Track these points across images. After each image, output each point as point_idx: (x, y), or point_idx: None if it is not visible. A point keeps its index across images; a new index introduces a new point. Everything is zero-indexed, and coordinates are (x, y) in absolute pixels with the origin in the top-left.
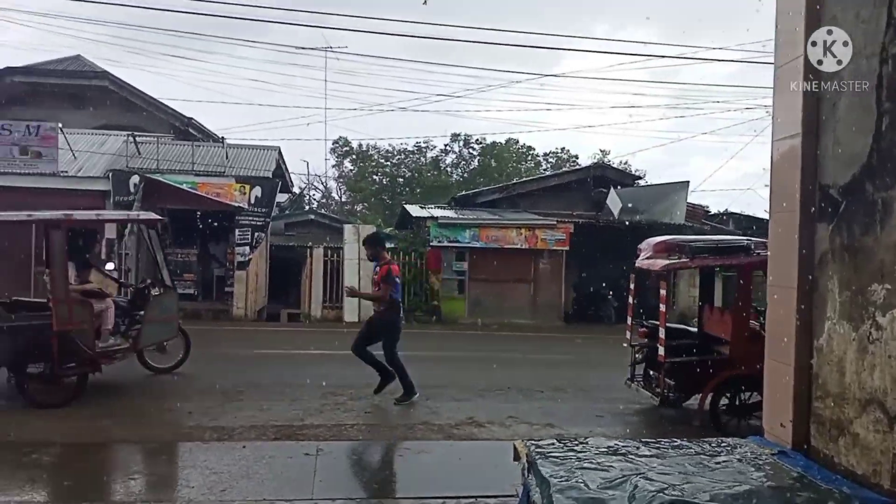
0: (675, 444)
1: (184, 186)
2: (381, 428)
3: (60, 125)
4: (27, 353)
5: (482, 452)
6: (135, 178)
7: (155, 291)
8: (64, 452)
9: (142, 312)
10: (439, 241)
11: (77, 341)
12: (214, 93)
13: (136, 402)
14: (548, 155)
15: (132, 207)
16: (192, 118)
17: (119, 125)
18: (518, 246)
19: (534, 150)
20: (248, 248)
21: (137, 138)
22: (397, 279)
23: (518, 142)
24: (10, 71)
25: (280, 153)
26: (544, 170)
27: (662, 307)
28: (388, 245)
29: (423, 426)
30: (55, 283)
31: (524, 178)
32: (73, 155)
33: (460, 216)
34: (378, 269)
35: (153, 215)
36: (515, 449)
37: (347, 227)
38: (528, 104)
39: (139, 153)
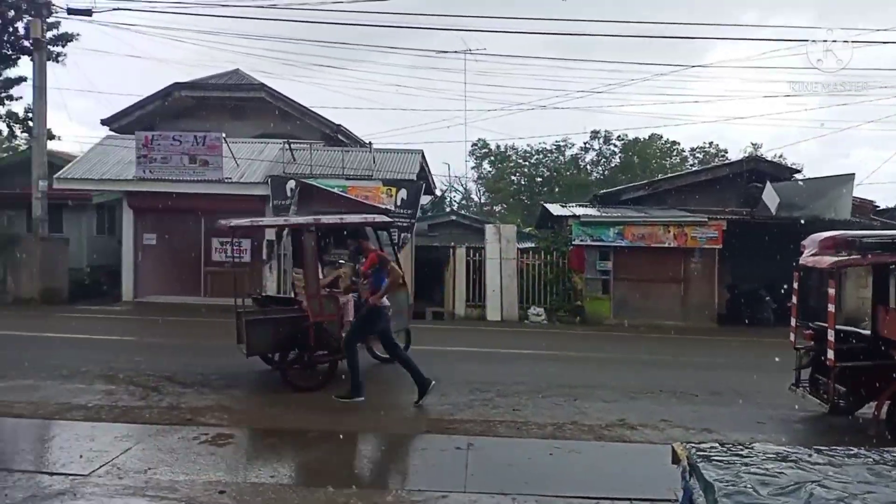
0: (852, 452)
1: (335, 190)
2: (529, 425)
3: (224, 135)
4: (287, 343)
5: (635, 455)
6: (291, 183)
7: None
8: (252, 436)
9: None
10: (582, 240)
11: (328, 331)
12: (360, 99)
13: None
14: (695, 150)
15: (289, 211)
16: (340, 125)
17: (275, 133)
18: (666, 244)
19: (679, 144)
20: (394, 248)
21: (292, 145)
22: (378, 266)
23: (662, 137)
24: (179, 86)
25: (423, 156)
26: (691, 165)
27: (831, 307)
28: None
29: (573, 426)
30: (308, 280)
31: (670, 174)
32: (236, 162)
33: (603, 214)
34: (363, 260)
35: (385, 218)
36: (674, 451)
37: (488, 227)
38: (672, 98)
39: (294, 159)
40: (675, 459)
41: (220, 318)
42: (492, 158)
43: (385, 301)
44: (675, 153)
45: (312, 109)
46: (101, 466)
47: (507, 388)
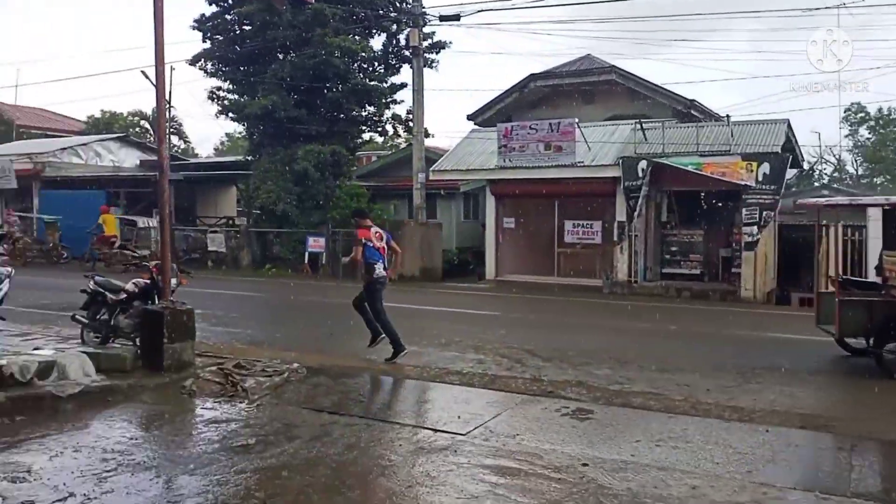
0: None
1: (688, 168)
2: None
3: (577, 120)
4: (882, 328)
5: None
6: (642, 164)
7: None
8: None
9: None
10: None
11: None
12: (716, 71)
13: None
14: None
15: (640, 192)
16: (694, 100)
17: (626, 115)
18: None
19: None
20: (755, 227)
21: (643, 125)
22: (368, 242)
23: None
24: (533, 77)
25: (788, 126)
26: None
27: None
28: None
29: None
30: None
31: None
32: (588, 146)
33: None
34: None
35: None
36: None
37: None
38: None
39: (646, 139)
40: None
41: (572, 297)
42: (871, 124)
43: (380, 272)
44: None
45: (663, 86)
46: (475, 428)
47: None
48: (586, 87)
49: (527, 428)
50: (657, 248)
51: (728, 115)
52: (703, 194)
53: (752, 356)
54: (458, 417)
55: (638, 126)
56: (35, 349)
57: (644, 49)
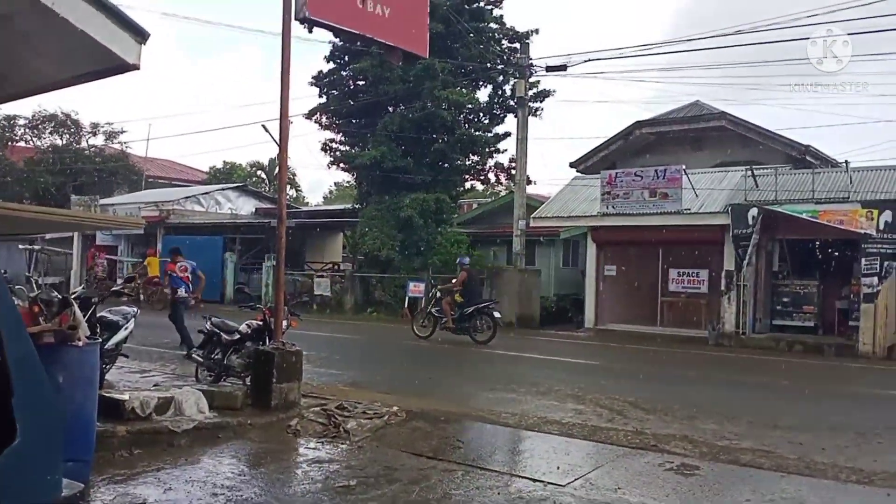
0: None
1: (802, 215)
2: None
3: (684, 167)
4: None
5: None
6: (753, 211)
7: None
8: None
9: None
10: None
11: None
12: (834, 115)
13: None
14: None
15: (749, 240)
16: (809, 145)
17: (735, 161)
18: None
19: None
20: (875, 278)
21: (755, 171)
22: (173, 273)
23: None
24: (639, 124)
25: None
26: None
27: None
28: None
29: None
30: None
31: None
32: (695, 193)
33: None
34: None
35: None
36: None
37: None
38: None
39: (756, 186)
40: None
41: (675, 348)
42: None
43: (181, 294)
44: None
45: (776, 132)
46: (575, 479)
47: None
48: (694, 133)
49: (629, 482)
50: (767, 298)
51: (846, 161)
52: (818, 243)
53: (871, 415)
54: (557, 468)
55: (749, 172)
56: (154, 385)
57: (756, 94)
